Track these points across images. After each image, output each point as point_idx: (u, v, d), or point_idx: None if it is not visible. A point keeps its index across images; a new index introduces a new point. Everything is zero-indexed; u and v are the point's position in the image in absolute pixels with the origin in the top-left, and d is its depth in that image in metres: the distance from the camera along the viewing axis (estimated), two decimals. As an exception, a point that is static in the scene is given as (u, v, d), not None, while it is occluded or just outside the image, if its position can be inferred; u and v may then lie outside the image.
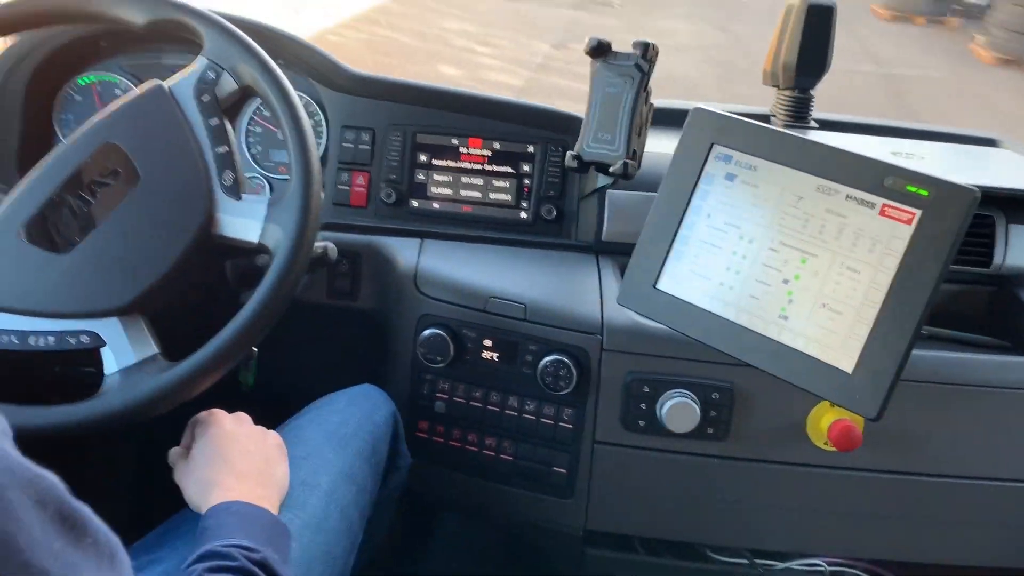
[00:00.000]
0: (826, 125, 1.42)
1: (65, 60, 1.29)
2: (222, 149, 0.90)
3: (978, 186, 0.85)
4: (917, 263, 0.86)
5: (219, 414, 0.91)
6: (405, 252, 1.18)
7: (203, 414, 0.92)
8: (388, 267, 1.18)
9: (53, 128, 1.31)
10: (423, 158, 1.24)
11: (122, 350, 0.86)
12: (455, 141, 1.24)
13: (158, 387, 0.83)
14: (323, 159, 1.27)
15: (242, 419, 0.92)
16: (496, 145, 1.23)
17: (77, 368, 0.96)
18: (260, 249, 0.89)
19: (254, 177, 1.29)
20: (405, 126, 1.24)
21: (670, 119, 1.31)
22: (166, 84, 0.92)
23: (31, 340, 0.85)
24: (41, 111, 1.29)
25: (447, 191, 1.24)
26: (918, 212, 0.87)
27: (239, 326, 0.84)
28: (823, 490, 1.08)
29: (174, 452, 0.91)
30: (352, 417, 1.05)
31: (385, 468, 1.08)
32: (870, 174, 0.91)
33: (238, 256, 0.99)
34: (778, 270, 0.95)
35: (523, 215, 1.23)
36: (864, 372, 0.88)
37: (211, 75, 0.92)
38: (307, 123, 0.90)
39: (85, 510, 0.41)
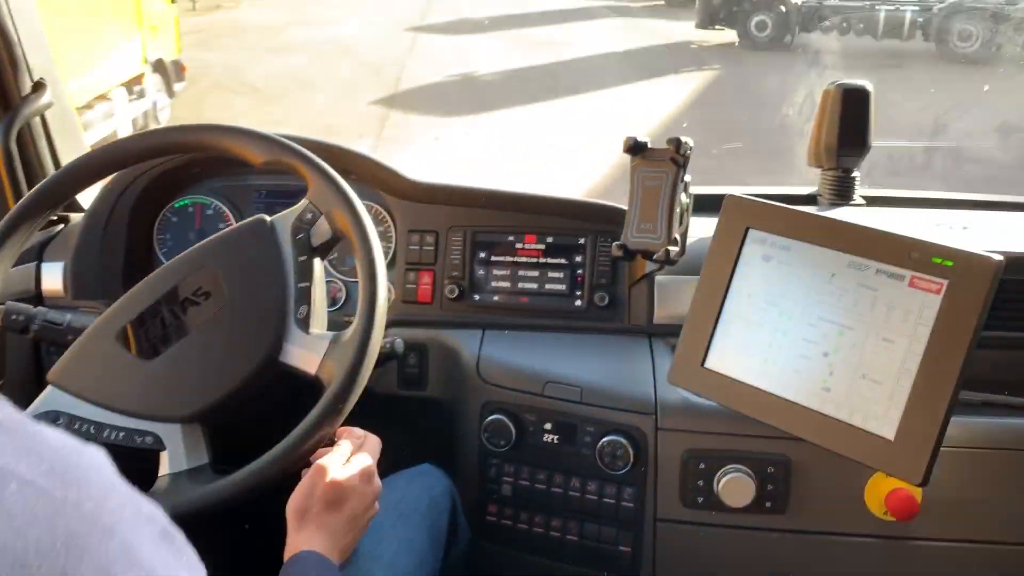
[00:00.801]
0: (874, 201, 1.46)
1: (165, 185, 1.44)
2: (303, 284, 1.00)
3: (1015, 253, 0.88)
4: (949, 331, 0.90)
5: (371, 452, 0.97)
6: (468, 343, 1.26)
7: (370, 440, 0.99)
8: (453, 358, 1.26)
9: (153, 248, 1.46)
10: (482, 255, 1.34)
11: (177, 456, 0.96)
12: (511, 238, 1.33)
13: (200, 497, 0.91)
14: (392, 261, 1.37)
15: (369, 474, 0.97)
16: (549, 239, 1.32)
17: (135, 464, 1.06)
18: (316, 381, 0.97)
19: (331, 281, 1.41)
20: (465, 227, 1.34)
21: (715, 205, 1.37)
22: (269, 219, 1.03)
23: (105, 433, 0.96)
24: (143, 232, 1.45)
25: (505, 284, 1.33)
26: (945, 282, 0.91)
27: (278, 454, 0.91)
28: (884, 560, 1.09)
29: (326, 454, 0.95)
30: (411, 493, 1.12)
31: (446, 542, 1.14)
32: (897, 248, 0.95)
33: (297, 381, 1.06)
34: (817, 344, 1.00)
35: (577, 303, 1.31)
36: (906, 439, 0.91)
37: (309, 216, 1.02)
38: (382, 276, 0.97)
39: (180, 532, 0.48)
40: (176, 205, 1.46)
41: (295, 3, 13.70)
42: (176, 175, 1.43)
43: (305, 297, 0.99)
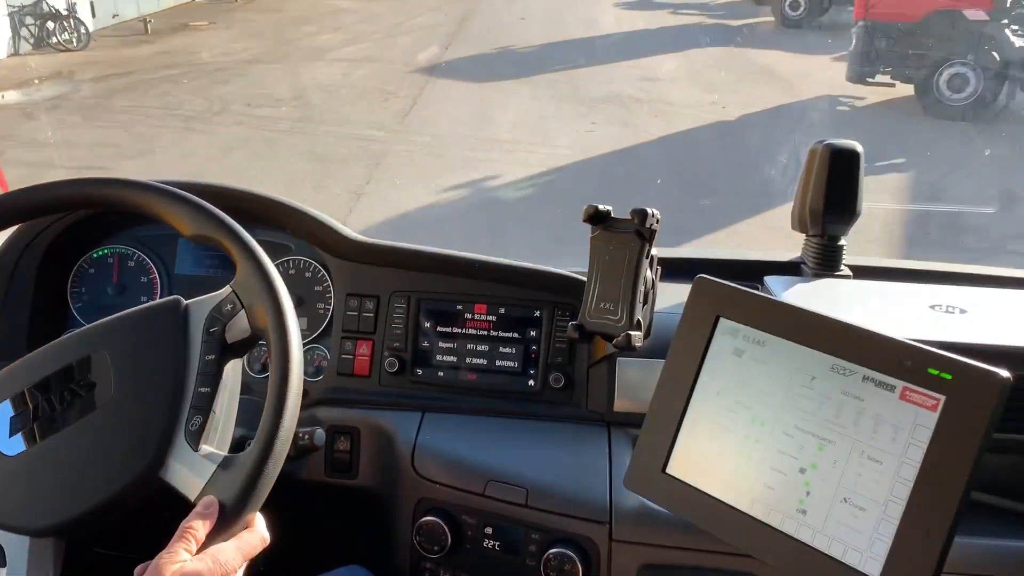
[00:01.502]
0: (861, 271, 1.34)
1: (81, 233, 1.31)
2: (204, 389, 0.86)
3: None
4: (946, 456, 0.77)
5: None
6: (404, 428, 1.12)
7: (246, 537, 0.82)
8: (387, 444, 1.13)
9: (68, 303, 1.32)
10: (427, 324, 1.20)
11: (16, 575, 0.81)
12: (460, 307, 1.20)
13: None
14: (327, 328, 1.24)
15: None
16: (502, 310, 1.19)
17: None
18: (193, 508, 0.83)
19: (261, 346, 1.27)
20: (409, 292, 1.21)
21: (688, 270, 1.25)
22: (184, 303, 0.89)
23: None
24: (55, 285, 1.31)
25: (452, 358, 1.19)
26: (943, 398, 0.78)
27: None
28: None
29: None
30: None
31: None
32: (887, 353, 0.82)
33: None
34: (794, 457, 0.87)
35: (531, 383, 1.17)
36: None
37: (229, 307, 0.88)
38: (294, 396, 0.83)
39: None
40: (94, 255, 1.33)
41: (280, 27, 12.39)
42: (94, 222, 1.30)
43: (204, 405, 0.85)
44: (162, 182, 0.94)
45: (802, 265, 1.37)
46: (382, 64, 9.48)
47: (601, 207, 1.03)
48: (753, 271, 1.36)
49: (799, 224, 1.36)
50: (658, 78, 8.33)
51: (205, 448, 0.83)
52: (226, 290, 0.89)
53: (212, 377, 0.86)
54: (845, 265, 1.34)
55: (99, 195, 0.95)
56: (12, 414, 0.86)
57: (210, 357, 0.86)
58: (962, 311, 1.16)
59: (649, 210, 1.01)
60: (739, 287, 0.93)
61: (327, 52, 10.12)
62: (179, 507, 0.80)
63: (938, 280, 1.32)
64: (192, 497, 0.81)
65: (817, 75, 7.88)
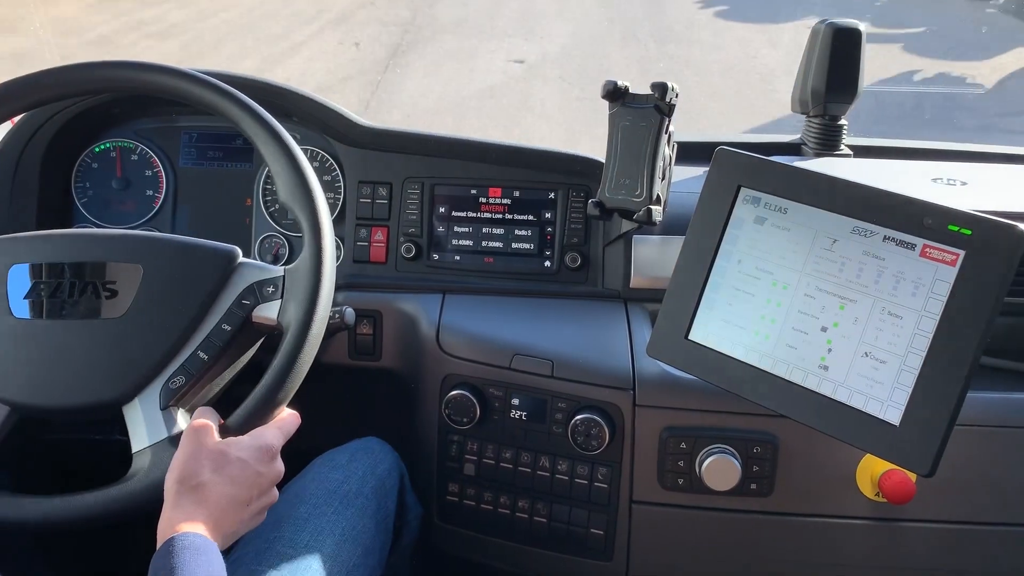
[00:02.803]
0: (861, 151, 1.36)
1: (82, 126, 1.28)
2: (203, 355, 0.87)
3: None
4: (964, 308, 0.81)
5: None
6: (427, 309, 1.14)
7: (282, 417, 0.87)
8: (410, 325, 1.15)
9: (72, 197, 1.30)
10: (442, 210, 1.21)
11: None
12: (474, 191, 1.21)
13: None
14: (341, 215, 1.24)
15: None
16: (516, 193, 1.20)
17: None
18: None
19: (273, 236, 1.27)
20: (422, 178, 1.21)
21: (697, 153, 1.26)
22: (239, 260, 0.90)
23: None
24: (59, 180, 1.29)
25: (468, 243, 1.21)
26: (961, 253, 0.82)
27: (247, 411, 0.82)
28: (875, 544, 1.02)
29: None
30: (354, 473, 1.01)
31: (395, 524, 1.04)
32: (908, 214, 0.85)
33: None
34: (815, 317, 0.90)
35: (547, 264, 1.19)
36: (912, 425, 0.82)
37: (270, 289, 0.88)
38: (328, 281, 0.86)
39: None
40: (96, 149, 1.31)
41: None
42: (95, 115, 1.27)
43: (193, 370, 0.86)
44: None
45: (803, 146, 1.39)
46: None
47: (620, 83, 1.04)
48: (755, 152, 1.37)
49: (800, 105, 1.37)
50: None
51: (172, 412, 0.85)
52: (279, 271, 0.88)
53: (217, 347, 0.86)
54: (845, 145, 1.36)
55: (114, 77, 0.94)
56: (34, 281, 0.87)
57: (226, 327, 0.87)
58: (963, 183, 1.20)
59: (669, 83, 1.01)
60: (762, 157, 0.95)
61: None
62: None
63: (936, 157, 1.35)
64: (134, 450, 0.84)
65: None
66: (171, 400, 0.85)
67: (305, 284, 0.85)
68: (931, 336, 0.82)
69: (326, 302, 0.86)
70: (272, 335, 0.89)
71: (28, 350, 0.86)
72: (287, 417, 0.86)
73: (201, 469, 0.76)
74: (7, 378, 0.86)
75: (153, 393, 0.85)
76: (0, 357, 0.87)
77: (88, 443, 1.15)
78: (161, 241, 0.90)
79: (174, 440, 0.83)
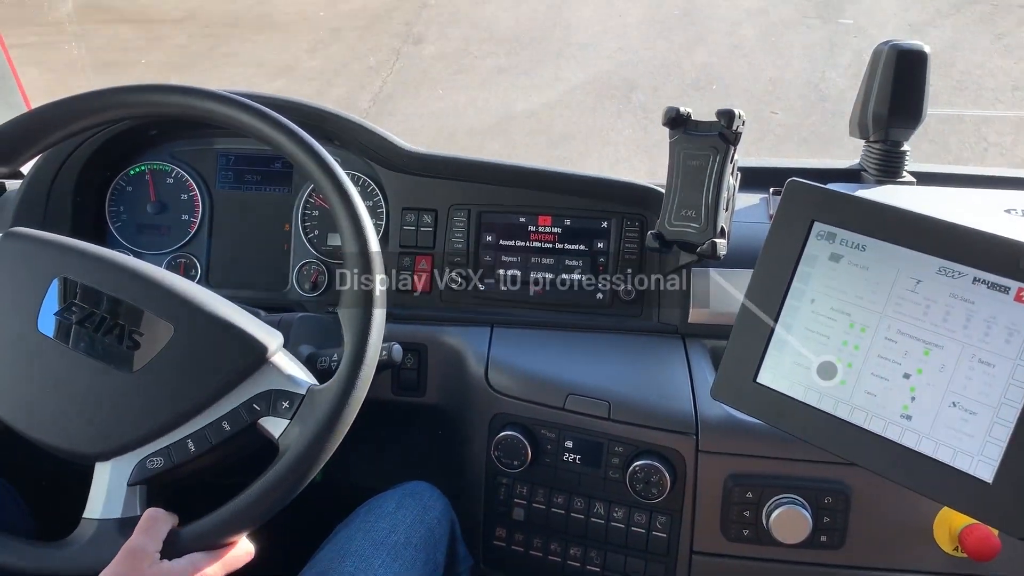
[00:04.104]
0: (924, 178, 1.30)
1: (115, 150, 1.25)
2: (194, 448, 0.81)
3: None
4: None
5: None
6: (474, 343, 1.09)
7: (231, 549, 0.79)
8: (457, 361, 1.10)
9: (105, 222, 1.26)
10: (489, 238, 1.16)
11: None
12: (523, 219, 1.16)
13: None
14: (383, 242, 1.20)
15: None
16: (567, 221, 1.15)
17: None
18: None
19: (311, 263, 1.23)
20: (469, 205, 1.16)
21: (748, 179, 1.21)
22: (272, 352, 0.83)
23: None
24: (92, 204, 1.25)
25: (516, 272, 1.16)
26: (1064, 298, 0.76)
27: (210, 524, 0.77)
28: (956, 604, 0.96)
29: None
30: (402, 522, 0.96)
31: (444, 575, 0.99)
32: (1002, 254, 0.79)
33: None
34: (897, 363, 0.84)
35: (599, 296, 1.14)
36: (1007, 482, 0.76)
37: (284, 404, 0.81)
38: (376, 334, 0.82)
39: None
40: (131, 172, 1.27)
41: None
42: (130, 137, 1.24)
43: (177, 458, 0.80)
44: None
45: (863, 172, 1.33)
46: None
47: (682, 109, 0.99)
48: (812, 179, 1.32)
49: (859, 129, 1.31)
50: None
51: (136, 491, 0.80)
52: (302, 389, 0.81)
53: (208, 443, 0.80)
54: (907, 172, 1.30)
55: (158, 101, 0.90)
56: (68, 302, 0.83)
57: (225, 426, 0.80)
58: (1041, 215, 1.14)
59: (736, 111, 0.96)
60: (836, 190, 0.90)
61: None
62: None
63: (1005, 185, 1.29)
64: (85, 514, 0.80)
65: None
66: (141, 478, 0.80)
67: (320, 415, 0.78)
68: (1028, 387, 0.77)
69: (337, 437, 0.79)
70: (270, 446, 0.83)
71: (33, 369, 0.82)
72: (240, 553, 0.79)
73: None
74: (3, 389, 0.83)
75: (127, 465, 0.80)
76: (8, 364, 0.83)
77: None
78: (202, 310, 0.82)
79: (124, 524, 0.78)
